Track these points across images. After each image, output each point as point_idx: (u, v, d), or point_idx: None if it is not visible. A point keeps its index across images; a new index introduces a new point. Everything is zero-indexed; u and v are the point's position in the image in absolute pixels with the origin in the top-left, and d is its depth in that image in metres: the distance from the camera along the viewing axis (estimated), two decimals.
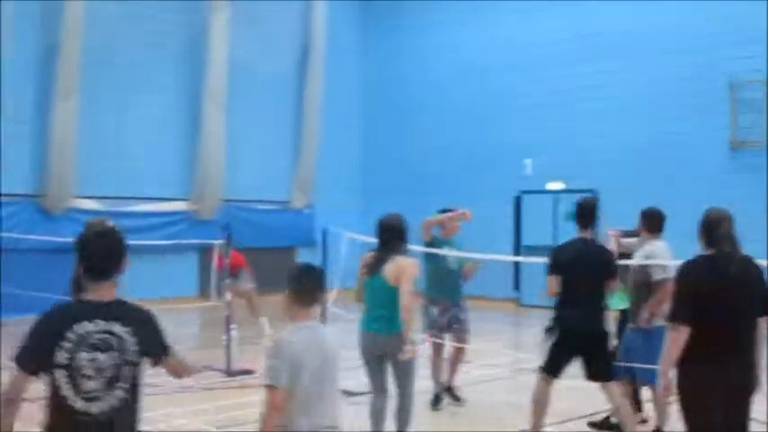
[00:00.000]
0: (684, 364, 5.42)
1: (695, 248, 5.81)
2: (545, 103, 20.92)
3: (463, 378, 11.27)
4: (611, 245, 8.73)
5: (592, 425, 9.05)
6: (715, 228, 5.53)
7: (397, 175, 23.59)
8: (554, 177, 20.79)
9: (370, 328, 7.24)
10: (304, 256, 22.07)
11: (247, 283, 14.29)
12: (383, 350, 7.18)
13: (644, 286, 8.27)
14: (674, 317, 5.44)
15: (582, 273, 7.59)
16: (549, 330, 7.85)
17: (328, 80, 22.98)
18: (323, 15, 22.84)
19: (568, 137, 20.42)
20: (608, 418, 8.87)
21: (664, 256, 8.29)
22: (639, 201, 18.16)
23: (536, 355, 12.46)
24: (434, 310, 10.04)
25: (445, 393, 10.11)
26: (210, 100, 20.67)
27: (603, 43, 20.01)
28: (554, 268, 7.73)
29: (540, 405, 7.86)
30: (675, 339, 5.41)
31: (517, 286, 21.09)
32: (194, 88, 20.69)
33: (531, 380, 11.47)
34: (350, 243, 16.18)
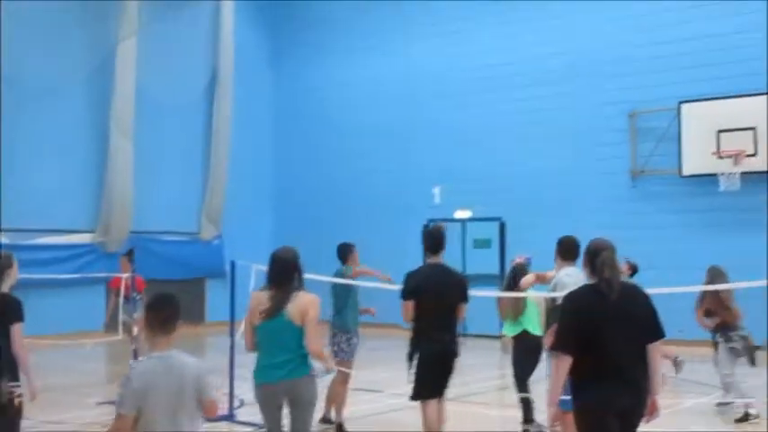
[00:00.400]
0: (576, 390, 5.56)
1: None
2: (453, 132, 21.21)
3: (373, 407, 11.33)
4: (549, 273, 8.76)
5: None
6: (596, 257, 5.69)
7: (310, 204, 23.61)
8: (462, 205, 21.06)
9: (274, 376, 6.44)
10: (213, 288, 21.91)
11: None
12: (289, 396, 6.49)
13: (552, 312, 8.47)
14: (557, 346, 5.61)
15: (433, 297, 7.87)
16: (410, 356, 8.08)
17: (238, 108, 22.94)
18: (231, 42, 22.82)
19: (476, 165, 20.73)
20: None
21: (575, 281, 8.42)
22: (544, 228, 18.64)
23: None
24: (343, 338, 10.11)
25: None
26: (118, 129, 20.45)
27: (509, 73, 20.42)
28: (407, 294, 7.97)
29: (430, 426, 7.97)
30: (558, 368, 5.58)
31: None
32: (102, 117, 20.43)
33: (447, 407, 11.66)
34: (259, 274, 16.16)
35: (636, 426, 5.58)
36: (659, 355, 5.63)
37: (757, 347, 10.91)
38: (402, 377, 13.46)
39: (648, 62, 18.52)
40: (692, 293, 11.59)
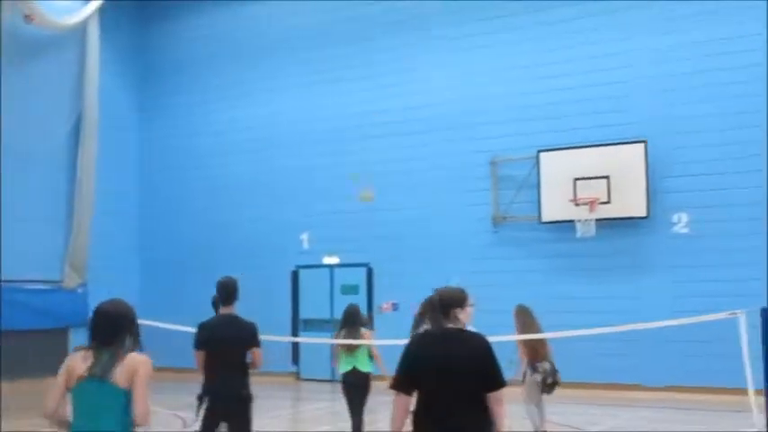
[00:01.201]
0: (417, 426, 5.79)
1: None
2: (320, 179, 21.43)
3: None
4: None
5: None
6: (438, 302, 5.95)
7: (178, 253, 23.36)
8: (330, 251, 21.26)
9: None
10: (77, 338, 21.38)
11: None
12: None
13: None
14: (393, 385, 5.87)
15: (222, 345, 8.49)
16: (199, 398, 8.66)
17: (103, 154, 22.55)
18: (96, 88, 22.51)
19: (343, 212, 20.98)
20: None
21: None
22: (410, 274, 19.02)
23: (316, 427, 12.77)
24: None
25: None
26: None
27: (374, 123, 20.81)
28: (198, 344, 8.64)
29: None
30: (396, 405, 5.83)
31: (296, 360, 21.28)
32: None
33: None
34: None
35: None
36: (501, 404, 5.75)
37: (555, 383, 11.67)
38: (270, 424, 13.62)
39: (509, 112, 19.20)
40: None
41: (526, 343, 11.77)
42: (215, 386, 8.53)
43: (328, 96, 21.60)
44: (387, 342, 12.04)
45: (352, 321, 11.57)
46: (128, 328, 5.70)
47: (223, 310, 8.75)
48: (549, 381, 12.03)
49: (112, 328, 5.66)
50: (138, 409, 5.47)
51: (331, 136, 21.41)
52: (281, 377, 20.83)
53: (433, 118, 20.11)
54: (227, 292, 8.77)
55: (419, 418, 5.79)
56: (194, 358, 8.64)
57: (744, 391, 11.86)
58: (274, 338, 12.96)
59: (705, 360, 16.32)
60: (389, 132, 20.60)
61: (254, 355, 8.63)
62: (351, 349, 11.25)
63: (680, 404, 15.83)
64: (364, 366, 11.20)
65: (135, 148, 24.38)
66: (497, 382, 5.76)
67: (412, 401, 5.81)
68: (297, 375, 21.23)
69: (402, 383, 5.82)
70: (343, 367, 11.30)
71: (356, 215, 20.81)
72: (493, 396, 5.73)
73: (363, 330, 11.50)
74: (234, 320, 8.69)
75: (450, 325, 5.86)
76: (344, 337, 11.37)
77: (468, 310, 6.00)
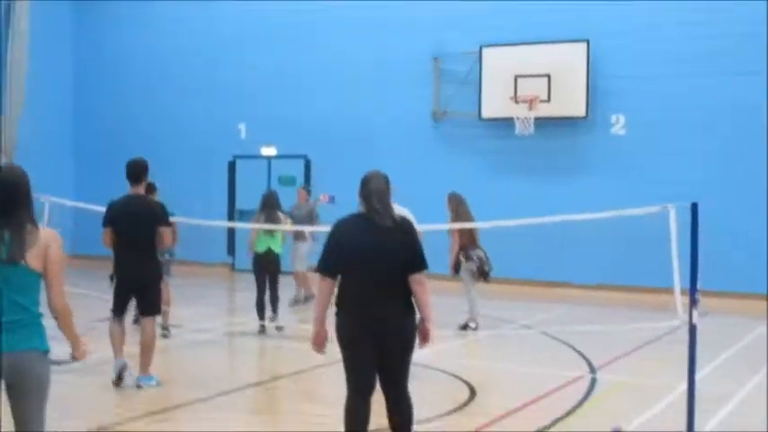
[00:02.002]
0: (338, 311, 5.85)
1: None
2: (260, 72, 21.05)
3: (175, 342, 11.40)
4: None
5: None
6: (364, 186, 5.93)
7: (111, 140, 22.75)
8: (267, 142, 21.05)
9: None
10: None
11: None
12: (16, 378, 4.59)
13: None
14: (318, 268, 5.90)
15: (130, 224, 8.70)
16: (111, 277, 9.14)
17: (35, 37, 21.76)
18: None
19: (282, 104, 20.69)
20: None
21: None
22: (348, 167, 18.89)
23: (248, 319, 12.84)
24: None
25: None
26: None
27: (314, 19, 20.32)
28: (106, 221, 8.84)
29: (115, 338, 8.73)
30: (321, 289, 5.90)
31: (231, 251, 21.23)
32: None
33: (244, 342, 11.91)
34: (54, 208, 15.75)
35: (397, 356, 5.81)
36: (424, 286, 5.78)
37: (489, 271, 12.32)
38: (203, 313, 13.67)
39: (452, 7, 18.93)
40: (487, 230, 12.33)
41: (460, 231, 11.95)
42: (123, 263, 8.78)
43: None
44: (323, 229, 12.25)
45: (271, 206, 12.46)
46: (27, 197, 4.71)
47: (132, 191, 8.87)
48: (486, 268, 12.27)
49: (12, 198, 4.65)
50: (55, 298, 4.65)
51: (272, 30, 20.90)
52: (216, 268, 20.83)
53: (375, 13, 19.70)
54: (134, 172, 8.86)
55: (342, 301, 5.83)
56: (102, 237, 8.85)
57: (671, 291, 12.21)
58: (205, 223, 12.96)
59: (637, 260, 16.59)
60: (333, 27, 20.19)
61: (163, 234, 8.84)
62: (269, 232, 12.20)
63: (609, 302, 16.19)
64: (278, 248, 12.33)
65: (70, 37, 23.53)
66: (419, 263, 5.79)
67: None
68: (232, 266, 21.19)
69: (326, 267, 5.84)
70: (260, 247, 12.23)
71: (295, 107, 20.53)
72: (415, 278, 5.75)
73: (281, 215, 12.57)
74: (141, 200, 8.92)
75: (376, 208, 5.83)
76: (264, 221, 12.27)
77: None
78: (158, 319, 10.65)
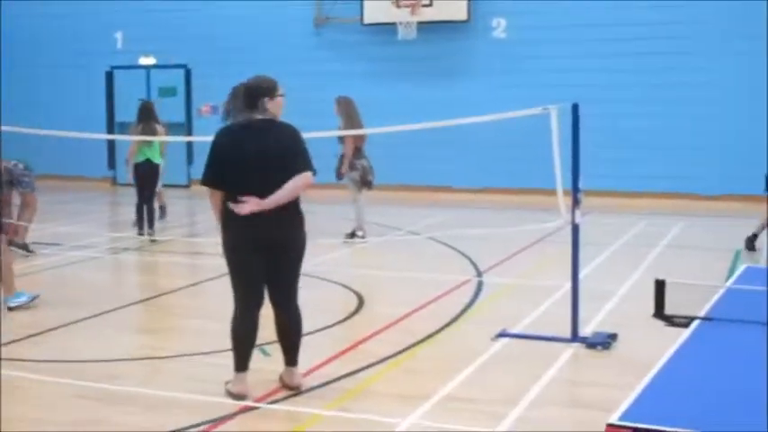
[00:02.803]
0: (225, 222, 5.71)
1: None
2: None
3: (52, 260, 11.10)
4: None
5: None
6: (238, 95, 5.74)
7: None
8: (146, 52, 20.40)
9: None
10: None
11: None
12: None
13: None
14: (203, 180, 5.74)
15: None
16: None
17: None
18: None
19: (159, 9, 20.01)
20: None
21: None
22: (229, 76, 18.43)
23: (131, 234, 12.61)
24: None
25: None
26: None
27: None
28: None
29: None
30: (213, 203, 5.76)
31: (112, 165, 20.69)
32: None
33: (126, 258, 11.69)
34: None
35: (287, 266, 5.77)
36: (299, 181, 5.58)
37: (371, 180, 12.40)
38: (84, 230, 13.31)
39: None
40: (370, 136, 12.27)
41: (353, 138, 11.81)
42: None
43: None
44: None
45: (148, 117, 12.66)
46: None
47: None
48: (369, 177, 12.25)
49: None
50: None
51: None
52: (97, 182, 20.31)
53: None
54: None
55: (227, 213, 5.65)
56: None
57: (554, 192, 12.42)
58: (81, 135, 12.52)
59: (520, 162, 16.81)
60: None
61: None
62: (148, 143, 12.34)
63: (494, 205, 16.44)
64: (156, 158, 12.61)
65: None
66: (304, 166, 5.64)
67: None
68: (113, 180, 20.69)
69: (211, 180, 5.68)
70: (139, 158, 12.51)
71: (173, 13, 19.91)
72: (297, 176, 5.60)
73: (158, 127, 12.68)
74: None
75: (259, 116, 5.69)
76: (141, 132, 12.45)
77: (279, 100, 5.78)
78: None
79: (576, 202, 6.99)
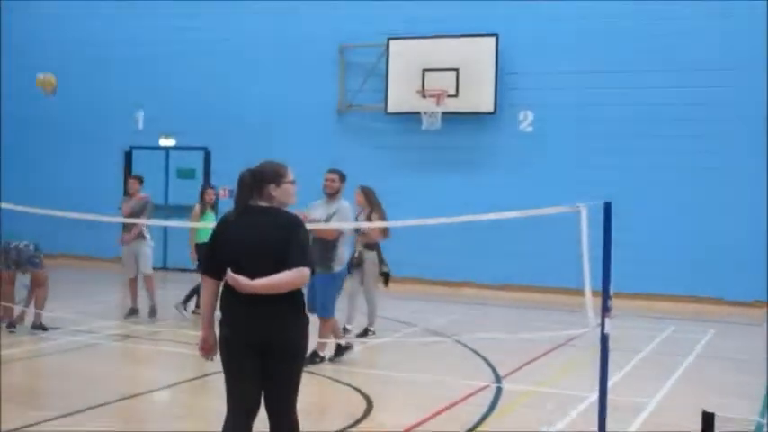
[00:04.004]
0: (224, 314, 5.24)
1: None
2: (158, 56, 20.20)
3: (48, 346, 10.61)
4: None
5: None
6: (244, 181, 5.29)
7: (3, 133, 21.63)
8: (166, 133, 20.19)
9: None
10: None
11: None
12: None
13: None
14: (202, 269, 5.38)
15: None
16: None
17: None
18: None
19: (182, 92, 19.86)
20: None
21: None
22: (250, 159, 18.08)
23: (139, 318, 12.05)
24: None
25: None
26: None
27: (218, 3, 19.66)
28: None
29: None
30: (205, 290, 5.33)
31: None
32: None
33: (127, 346, 11.10)
34: None
35: (283, 365, 5.19)
36: (293, 273, 5.04)
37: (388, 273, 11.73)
38: (90, 312, 12.78)
39: None
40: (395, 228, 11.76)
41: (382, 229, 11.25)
42: None
43: None
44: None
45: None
46: None
47: None
48: (386, 269, 11.68)
49: None
50: None
51: (175, 15, 20.03)
52: (111, 263, 19.89)
53: (282, 2, 19.03)
54: None
55: (225, 302, 5.23)
56: None
57: (579, 292, 11.83)
58: (102, 219, 12.04)
59: (542, 259, 16.27)
60: (232, 11, 19.50)
61: None
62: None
63: (516, 303, 15.83)
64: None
65: None
66: (300, 260, 5.10)
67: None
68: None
69: (207, 267, 5.31)
70: (201, 238, 12.17)
71: (195, 95, 19.75)
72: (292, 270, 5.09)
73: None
74: None
75: (261, 203, 5.26)
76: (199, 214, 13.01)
77: (287, 187, 5.31)
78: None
79: (606, 310, 6.44)
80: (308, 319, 5.34)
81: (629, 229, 14.90)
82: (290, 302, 5.19)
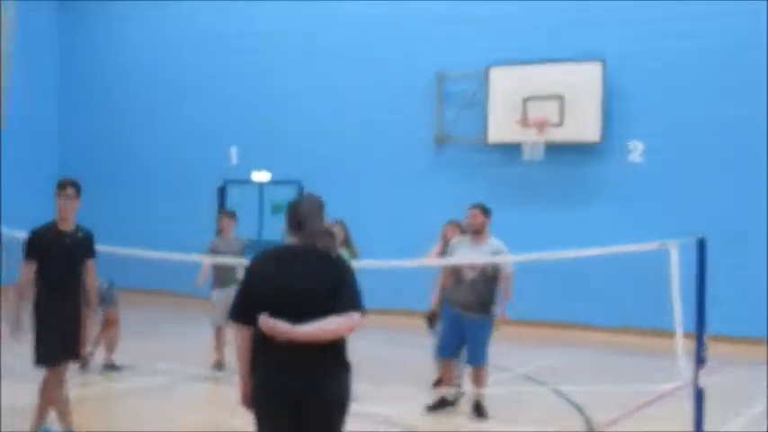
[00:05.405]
0: (253, 365, 4.61)
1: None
2: (251, 91, 19.91)
3: (119, 387, 10.09)
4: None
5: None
6: (288, 217, 4.73)
7: (96, 164, 21.56)
8: (260, 167, 19.84)
9: None
10: None
11: None
12: None
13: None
14: (231, 315, 4.78)
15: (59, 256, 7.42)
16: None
17: (18, 70, 20.59)
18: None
19: (275, 125, 19.52)
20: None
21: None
22: (345, 192, 17.62)
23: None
24: None
25: None
26: None
27: (309, 32, 19.30)
28: (29, 255, 7.42)
29: None
30: (239, 341, 4.71)
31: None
32: None
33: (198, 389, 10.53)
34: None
35: (322, 424, 4.53)
36: (344, 320, 4.46)
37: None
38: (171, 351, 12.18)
39: (457, 24, 17.71)
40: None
41: (445, 270, 10.02)
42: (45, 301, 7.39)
43: (263, 13, 19.92)
44: None
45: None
46: None
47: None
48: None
49: None
50: None
51: (266, 48, 19.80)
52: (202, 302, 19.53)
53: (376, 30, 18.59)
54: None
55: (257, 356, 4.57)
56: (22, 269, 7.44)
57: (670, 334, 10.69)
58: (196, 258, 11.50)
59: (640, 299, 14.89)
60: (330, 44, 19.12)
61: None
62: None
63: (620, 347, 14.67)
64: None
65: (52, 61, 22.45)
66: (349, 305, 4.51)
67: None
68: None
69: (240, 314, 4.65)
70: None
71: (289, 129, 19.39)
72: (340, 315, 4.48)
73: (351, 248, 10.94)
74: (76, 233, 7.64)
75: (301, 242, 4.66)
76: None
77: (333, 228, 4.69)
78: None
79: (699, 362, 5.49)
80: (350, 368, 4.63)
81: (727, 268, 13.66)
82: (332, 349, 4.49)
